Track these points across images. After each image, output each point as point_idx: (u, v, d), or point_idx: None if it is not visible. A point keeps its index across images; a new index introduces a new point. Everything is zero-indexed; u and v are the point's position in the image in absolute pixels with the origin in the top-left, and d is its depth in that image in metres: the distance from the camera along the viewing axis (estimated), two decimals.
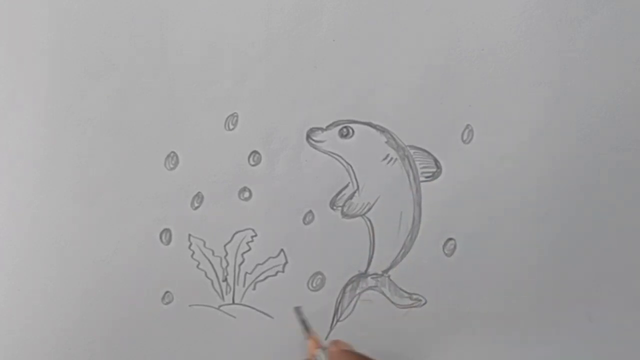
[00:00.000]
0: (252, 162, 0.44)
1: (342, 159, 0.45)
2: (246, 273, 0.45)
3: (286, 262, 0.45)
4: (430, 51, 0.44)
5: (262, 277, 0.45)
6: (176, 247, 0.44)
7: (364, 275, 0.45)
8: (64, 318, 0.44)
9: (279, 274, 0.45)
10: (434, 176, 0.45)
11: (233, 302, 0.45)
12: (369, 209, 0.45)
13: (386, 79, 0.44)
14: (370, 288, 0.45)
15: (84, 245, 0.44)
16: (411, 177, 0.45)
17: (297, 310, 0.43)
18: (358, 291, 0.45)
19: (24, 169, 0.43)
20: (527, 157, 0.45)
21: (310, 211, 0.45)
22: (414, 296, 0.45)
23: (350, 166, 0.45)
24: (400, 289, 0.45)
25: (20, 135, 0.43)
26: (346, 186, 0.45)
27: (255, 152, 0.44)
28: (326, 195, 0.45)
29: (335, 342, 0.39)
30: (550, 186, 0.45)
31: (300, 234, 0.45)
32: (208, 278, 0.45)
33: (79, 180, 0.44)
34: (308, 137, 0.44)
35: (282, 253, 0.45)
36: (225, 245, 0.45)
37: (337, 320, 0.45)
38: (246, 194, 0.45)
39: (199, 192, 0.44)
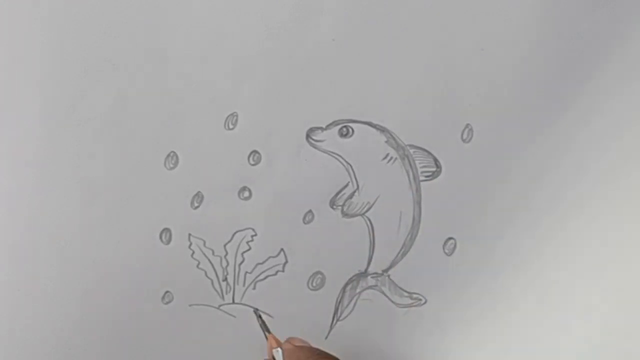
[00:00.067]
0: (252, 162, 0.44)
1: (342, 158, 0.45)
2: (246, 272, 0.45)
3: (286, 262, 0.45)
4: (430, 51, 0.44)
5: (262, 277, 0.45)
6: (176, 246, 0.44)
7: (363, 274, 0.45)
8: (64, 318, 0.44)
9: (279, 273, 0.45)
10: (433, 175, 0.45)
11: (233, 302, 0.45)
12: (369, 209, 0.45)
13: (386, 78, 0.44)
14: (370, 287, 0.45)
15: (84, 245, 0.44)
16: (411, 176, 0.45)
17: (256, 312, 0.43)
18: (358, 290, 0.45)
19: (24, 169, 0.43)
20: (527, 156, 0.45)
21: (310, 211, 0.45)
22: (414, 295, 0.45)
23: (350, 165, 0.45)
24: (400, 288, 0.45)
25: (20, 135, 0.43)
26: (346, 185, 0.45)
27: (255, 151, 0.44)
28: (326, 194, 0.45)
29: (290, 339, 0.40)
30: (550, 186, 0.45)
31: (300, 234, 0.45)
32: (208, 277, 0.45)
33: (79, 180, 0.43)
34: (308, 136, 0.44)
35: (282, 252, 0.45)
36: (225, 245, 0.45)
37: (337, 320, 0.45)
38: (246, 194, 0.45)
39: (199, 192, 0.44)
